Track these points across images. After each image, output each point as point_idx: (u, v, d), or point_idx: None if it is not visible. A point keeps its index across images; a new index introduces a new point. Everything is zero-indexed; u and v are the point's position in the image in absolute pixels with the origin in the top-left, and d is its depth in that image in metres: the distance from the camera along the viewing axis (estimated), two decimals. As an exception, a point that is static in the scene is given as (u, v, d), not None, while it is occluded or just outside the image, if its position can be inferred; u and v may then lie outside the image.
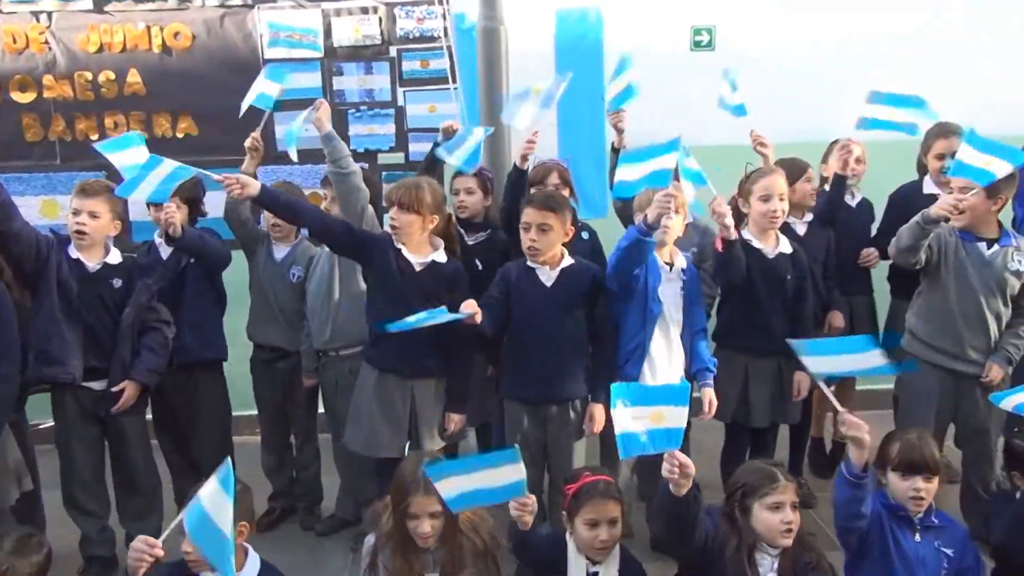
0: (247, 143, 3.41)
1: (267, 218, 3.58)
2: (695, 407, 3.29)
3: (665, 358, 3.16)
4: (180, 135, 4.00)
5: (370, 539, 2.53)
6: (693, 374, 3.29)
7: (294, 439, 3.77)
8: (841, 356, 2.40)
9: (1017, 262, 3.22)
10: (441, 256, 3.12)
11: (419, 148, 4.03)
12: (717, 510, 2.49)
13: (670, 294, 3.16)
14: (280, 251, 3.61)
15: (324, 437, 3.74)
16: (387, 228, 3.18)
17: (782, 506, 2.32)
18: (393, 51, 4.02)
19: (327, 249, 3.41)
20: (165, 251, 3.46)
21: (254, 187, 2.96)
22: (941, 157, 3.66)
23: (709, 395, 3.26)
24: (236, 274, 3.64)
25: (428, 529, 2.38)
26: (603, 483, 2.46)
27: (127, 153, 3.01)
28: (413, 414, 3.11)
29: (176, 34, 3.93)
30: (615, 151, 3.60)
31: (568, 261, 3.07)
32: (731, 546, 2.35)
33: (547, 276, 3.04)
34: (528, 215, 3.00)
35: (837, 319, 3.79)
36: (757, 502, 2.34)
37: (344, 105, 4.05)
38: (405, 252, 3.06)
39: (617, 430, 2.17)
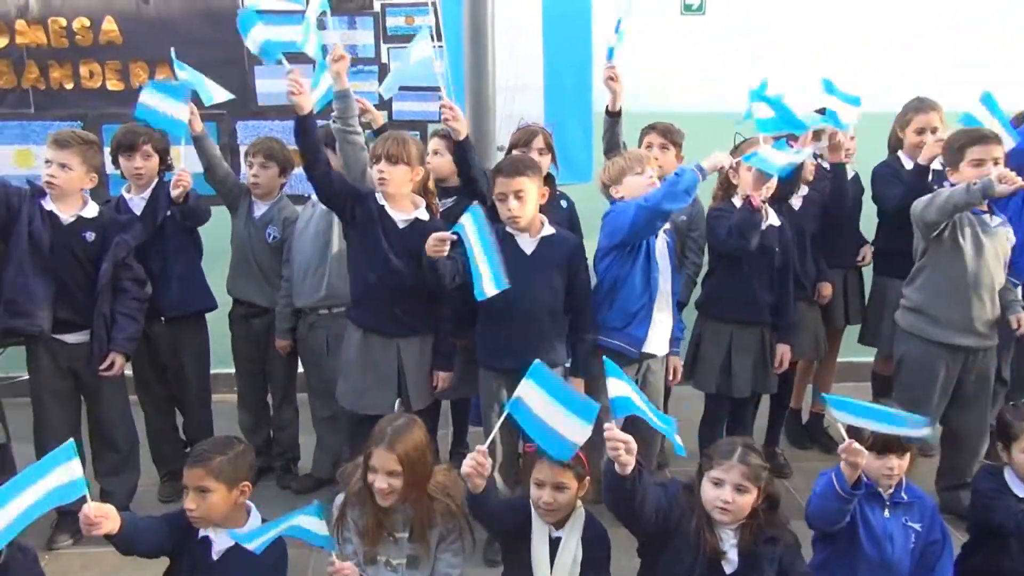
0: (331, 55, 3.07)
1: (248, 174, 3.53)
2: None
3: (666, 322, 3.17)
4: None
5: (339, 498, 2.53)
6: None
7: (271, 398, 3.75)
8: (873, 422, 2.35)
9: (1009, 230, 3.23)
10: (424, 214, 3.08)
11: (403, 107, 3.96)
12: (676, 483, 2.48)
13: (662, 257, 3.15)
14: (259, 208, 3.57)
15: (302, 397, 3.72)
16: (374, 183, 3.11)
17: (722, 483, 2.29)
18: (377, 6, 3.94)
19: (319, 207, 3.36)
20: (135, 206, 3.39)
21: (308, 102, 2.93)
22: (920, 132, 3.63)
23: (675, 363, 3.31)
24: (215, 227, 3.59)
25: (384, 485, 2.37)
26: None
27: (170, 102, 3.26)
28: (401, 372, 3.09)
29: (153, -19, 3.82)
30: (609, 114, 3.54)
31: (549, 230, 3.03)
32: (690, 518, 2.34)
33: (527, 244, 3.01)
34: (501, 184, 2.93)
35: (826, 289, 3.78)
36: (706, 474, 2.33)
37: (327, 60, 3.96)
38: (389, 209, 3.02)
39: (610, 394, 2.12)
